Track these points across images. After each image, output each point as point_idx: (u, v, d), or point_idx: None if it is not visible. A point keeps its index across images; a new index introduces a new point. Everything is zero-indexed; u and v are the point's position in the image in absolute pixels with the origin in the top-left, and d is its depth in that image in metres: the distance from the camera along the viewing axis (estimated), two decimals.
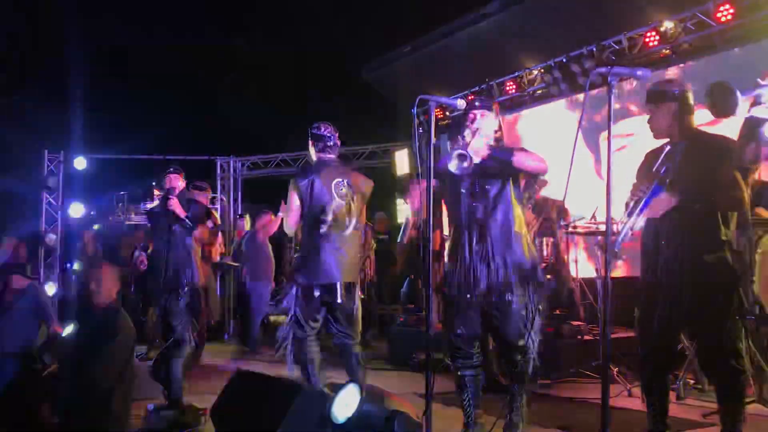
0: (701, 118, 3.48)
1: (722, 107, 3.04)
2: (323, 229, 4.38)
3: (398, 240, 8.74)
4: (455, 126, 9.61)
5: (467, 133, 3.61)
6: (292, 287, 4.40)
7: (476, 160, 3.49)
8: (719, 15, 6.91)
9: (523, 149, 3.66)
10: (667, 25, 7.44)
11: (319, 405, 3.45)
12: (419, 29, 10.09)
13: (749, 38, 6.86)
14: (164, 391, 4.88)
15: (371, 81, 11.38)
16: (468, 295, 3.56)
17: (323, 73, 11.67)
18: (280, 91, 12.07)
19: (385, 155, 11.39)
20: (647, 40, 7.61)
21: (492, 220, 3.58)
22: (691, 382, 5.24)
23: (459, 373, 3.69)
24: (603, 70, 2.62)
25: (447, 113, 10.13)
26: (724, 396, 3.32)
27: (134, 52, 11.64)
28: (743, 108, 3.07)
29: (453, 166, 3.43)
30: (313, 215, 4.39)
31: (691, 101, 3.40)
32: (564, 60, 8.40)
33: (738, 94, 2.96)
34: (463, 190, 3.66)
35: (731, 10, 6.83)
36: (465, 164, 3.41)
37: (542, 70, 8.86)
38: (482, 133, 3.61)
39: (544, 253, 6.31)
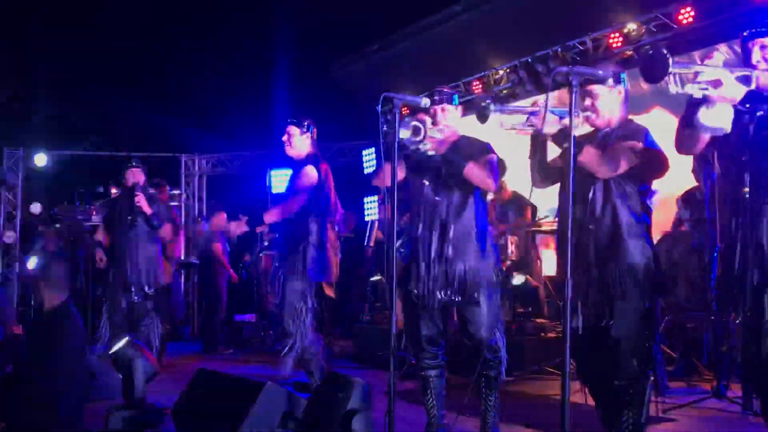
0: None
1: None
2: (331, 225, 4.29)
3: (365, 244, 8.72)
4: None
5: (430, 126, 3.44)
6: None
7: (432, 152, 3.42)
8: (680, 17, 7.03)
9: (484, 159, 3.48)
10: (631, 26, 7.55)
11: (281, 403, 3.43)
12: (387, 28, 10.08)
13: (708, 40, 6.98)
14: (124, 391, 4.79)
15: (339, 79, 11.34)
16: (432, 295, 3.48)
17: (290, 71, 11.60)
18: (246, 88, 11.97)
19: (352, 154, 11.36)
20: (611, 41, 7.72)
21: (455, 217, 3.48)
22: (651, 378, 5.30)
23: (423, 373, 3.62)
24: (564, 69, 2.59)
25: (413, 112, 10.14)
26: (626, 402, 3.07)
27: (96, 47, 11.44)
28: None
29: (405, 134, 3.27)
30: (326, 208, 4.27)
31: None
32: (529, 60, 8.46)
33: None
34: (426, 182, 3.56)
35: (692, 13, 6.95)
36: (417, 138, 3.27)
37: (508, 70, 8.93)
38: (443, 128, 3.51)
39: (509, 251, 6.34)
